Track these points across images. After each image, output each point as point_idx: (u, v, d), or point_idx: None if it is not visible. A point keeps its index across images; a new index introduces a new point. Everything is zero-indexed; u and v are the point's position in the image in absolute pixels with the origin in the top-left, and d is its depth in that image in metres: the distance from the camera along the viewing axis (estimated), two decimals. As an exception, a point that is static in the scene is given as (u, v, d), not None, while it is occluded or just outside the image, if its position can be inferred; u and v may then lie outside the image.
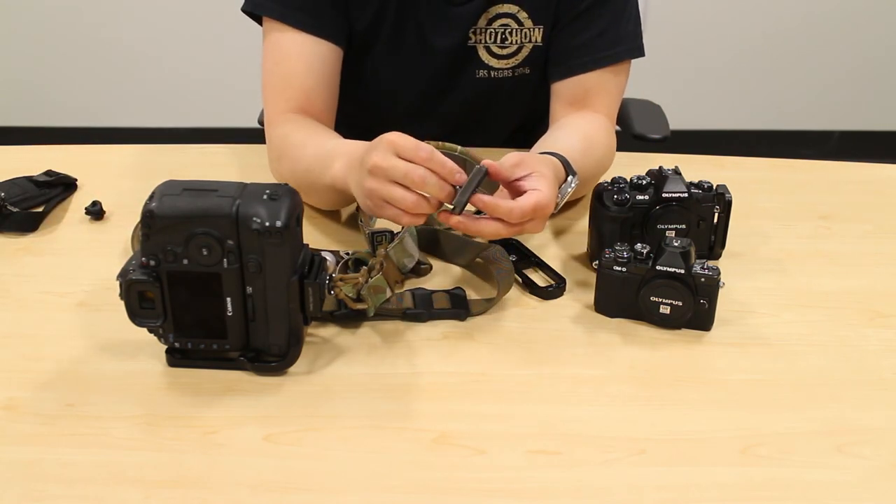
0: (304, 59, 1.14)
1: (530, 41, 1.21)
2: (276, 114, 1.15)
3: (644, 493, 0.73)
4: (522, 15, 1.19)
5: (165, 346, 0.85)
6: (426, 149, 0.87)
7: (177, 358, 0.86)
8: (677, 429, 0.80)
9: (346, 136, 1.19)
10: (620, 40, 1.19)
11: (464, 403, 0.83)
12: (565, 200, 0.98)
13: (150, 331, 0.84)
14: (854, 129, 3.14)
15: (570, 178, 0.99)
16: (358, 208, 1.08)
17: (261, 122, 1.47)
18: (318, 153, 1.04)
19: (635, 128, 1.59)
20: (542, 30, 1.20)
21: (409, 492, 0.73)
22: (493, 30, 1.20)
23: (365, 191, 0.89)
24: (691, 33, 2.93)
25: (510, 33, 1.20)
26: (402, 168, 0.86)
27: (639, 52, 1.21)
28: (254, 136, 1.34)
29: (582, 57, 1.19)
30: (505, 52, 1.22)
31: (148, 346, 0.86)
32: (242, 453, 0.77)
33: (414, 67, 1.24)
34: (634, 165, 1.09)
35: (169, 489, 0.73)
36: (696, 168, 1.08)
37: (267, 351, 0.85)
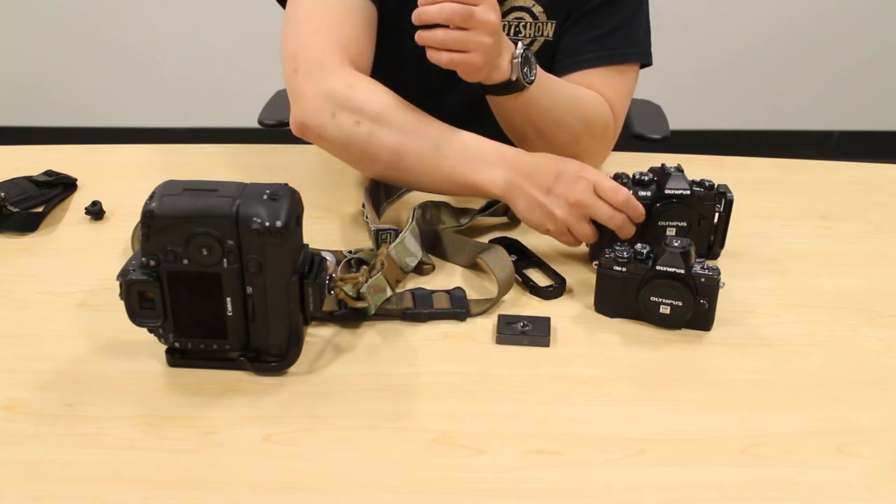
0: (350, 9, 1.09)
1: (542, 35, 1.21)
2: (330, 56, 1.03)
3: (644, 493, 0.73)
4: (537, 9, 1.19)
5: (165, 346, 0.85)
6: (624, 192, 0.97)
7: (177, 358, 0.86)
8: (677, 429, 0.80)
9: None
10: (630, 42, 1.19)
11: (464, 403, 0.83)
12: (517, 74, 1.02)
13: (150, 331, 0.84)
14: (854, 129, 3.14)
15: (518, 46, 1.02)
16: (364, 204, 1.08)
17: (261, 122, 1.46)
18: (450, 144, 1.01)
19: (635, 128, 1.59)
20: (554, 25, 1.20)
21: (409, 492, 0.73)
22: (506, 22, 1.19)
23: (552, 215, 0.99)
24: (691, 33, 2.93)
25: (524, 27, 1.20)
26: (606, 212, 0.97)
27: (647, 57, 1.21)
28: (254, 136, 1.34)
29: (589, 53, 1.19)
30: None
31: (148, 346, 0.86)
32: (242, 453, 0.77)
33: (425, 57, 1.23)
34: (635, 166, 1.08)
35: (169, 489, 0.73)
36: (697, 168, 1.08)
37: (267, 351, 0.85)
